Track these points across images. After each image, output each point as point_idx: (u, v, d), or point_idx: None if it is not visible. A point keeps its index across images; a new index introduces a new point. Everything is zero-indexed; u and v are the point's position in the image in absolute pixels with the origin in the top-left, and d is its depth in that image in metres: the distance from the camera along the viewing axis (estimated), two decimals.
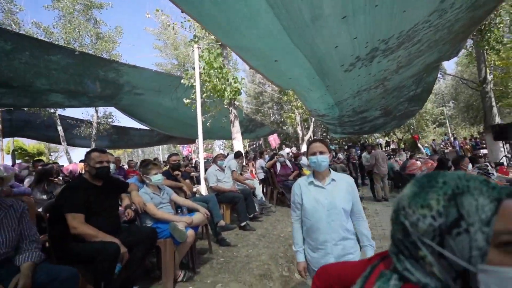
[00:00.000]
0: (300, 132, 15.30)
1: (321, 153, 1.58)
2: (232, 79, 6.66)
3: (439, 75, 26.94)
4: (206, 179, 4.83)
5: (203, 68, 6.50)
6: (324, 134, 28.85)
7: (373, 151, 7.76)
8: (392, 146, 22.10)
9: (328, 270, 0.81)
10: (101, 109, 12.72)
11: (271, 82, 5.33)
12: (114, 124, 12.82)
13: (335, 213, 1.52)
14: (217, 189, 4.40)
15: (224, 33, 3.33)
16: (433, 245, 0.47)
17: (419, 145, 20.87)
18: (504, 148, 9.82)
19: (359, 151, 12.72)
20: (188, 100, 6.65)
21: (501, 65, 8.85)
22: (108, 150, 3.62)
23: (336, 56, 4.07)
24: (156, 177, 2.68)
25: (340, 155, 11.02)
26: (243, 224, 4.10)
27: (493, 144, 9.99)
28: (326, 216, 1.52)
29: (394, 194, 7.79)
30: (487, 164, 3.02)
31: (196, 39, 6.87)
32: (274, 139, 14.22)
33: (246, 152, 20.91)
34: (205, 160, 12.10)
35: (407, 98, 8.59)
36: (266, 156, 7.58)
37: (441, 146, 16.02)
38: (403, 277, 0.51)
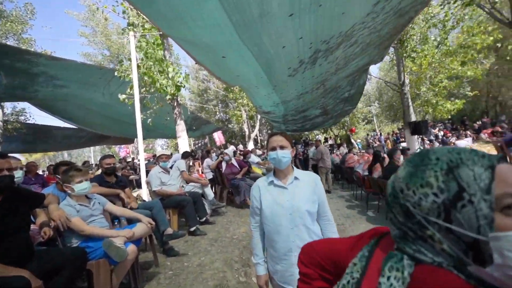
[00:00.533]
0: (246, 130, 15.32)
1: (281, 147, 1.37)
2: (176, 73, 6.16)
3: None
4: (148, 183, 4.32)
5: (141, 60, 5.85)
6: (269, 131, 29.77)
7: (319, 146, 8.20)
8: (330, 142, 24.13)
9: (314, 247, 0.75)
10: (8, 104, 10.46)
11: (218, 79, 5.09)
12: (28, 122, 10.67)
13: (299, 217, 1.33)
14: (162, 193, 3.97)
15: (167, 23, 2.99)
16: (440, 222, 0.47)
17: (352, 140, 23.19)
18: (418, 142, 11.62)
19: (303, 148, 13.46)
20: (123, 96, 5.89)
21: (416, 70, 10.36)
22: (20, 154, 2.86)
23: (284, 58, 4.12)
24: (81, 186, 2.18)
25: None
26: (193, 229, 3.79)
27: (411, 138, 11.73)
28: (288, 221, 1.33)
29: (336, 186, 8.39)
30: None
31: (132, 27, 6.14)
32: (219, 136, 13.82)
33: (192, 151, 20.09)
34: (146, 162, 11.11)
35: (343, 99, 9.41)
36: (214, 155, 7.29)
37: (370, 141, 18.08)
38: (414, 258, 0.50)
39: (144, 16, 5.81)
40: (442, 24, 9.90)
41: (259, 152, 10.82)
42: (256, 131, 15.53)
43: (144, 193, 5.03)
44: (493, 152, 11.97)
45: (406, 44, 10.47)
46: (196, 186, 4.86)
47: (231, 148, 6.37)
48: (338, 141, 24.10)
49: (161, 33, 6.63)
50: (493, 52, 14.20)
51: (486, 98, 18.18)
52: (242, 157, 6.94)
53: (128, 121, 8.15)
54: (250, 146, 15.46)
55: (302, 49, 3.91)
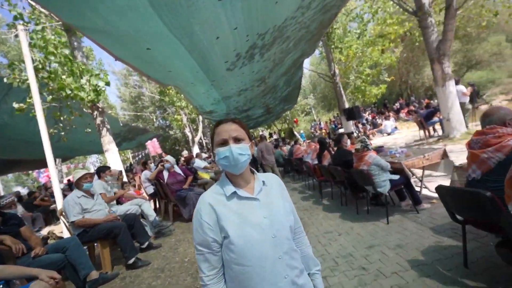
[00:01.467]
0: (189, 134, 14.38)
1: (236, 140, 0.93)
2: (92, 75, 5.12)
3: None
4: (63, 213, 3.38)
5: (39, 61, 4.67)
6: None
7: (258, 144, 8.01)
8: (275, 137, 24.72)
9: None
10: None
11: (146, 77, 4.37)
12: None
13: (285, 237, 0.90)
14: (84, 224, 3.12)
15: (68, 8, 2.23)
16: None
17: (295, 132, 24.20)
18: (353, 126, 12.57)
19: None
20: (19, 105, 4.63)
21: (344, 60, 11.12)
22: None
23: (220, 51, 3.78)
24: None
25: None
26: (131, 261, 3.06)
27: (347, 124, 12.64)
28: (272, 248, 0.86)
29: (287, 179, 8.35)
30: (364, 137, 3.34)
31: (24, 22, 4.87)
32: (152, 145, 12.36)
33: (131, 165, 18.02)
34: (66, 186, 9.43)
35: (282, 99, 9.68)
36: (152, 165, 6.41)
37: (312, 130, 19.00)
38: None
39: (34, 3, 4.67)
40: (360, 18, 10.83)
41: (204, 155, 10.17)
42: (199, 134, 14.72)
43: (62, 227, 3.98)
44: (414, 127, 13.81)
45: (332, 36, 11.13)
46: (133, 206, 4.07)
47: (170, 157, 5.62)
48: (282, 135, 24.93)
49: (64, 28, 5.47)
50: (400, 42, 16.29)
51: (400, 82, 20.93)
52: (185, 163, 6.24)
53: (40, 141, 6.61)
54: (196, 150, 14.60)
55: (238, 41, 3.62)
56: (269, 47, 3.97)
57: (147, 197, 5.34)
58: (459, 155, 5.40)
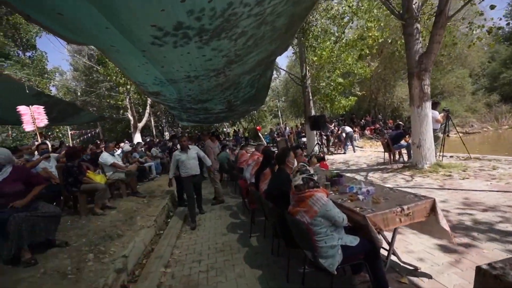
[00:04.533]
0: (131, 118, 12.04)
1: None
2: None
3: (275, 74, 31.05)
4: None
5: None
6: (170, 120, 26.29)
7: (206, 141, 6.36)
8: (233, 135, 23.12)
9: None
10: None
11: (47, 30, 2.77)
12: None
13: None
14: None
15: None
16: None
17: (260, 135, 22.83)
18: (316, 136, 11.43)
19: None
20: None
21: (317, 62, 9.88)
22: None
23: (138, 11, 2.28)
24: None
25: None
26: None
27: (310, 133, 11.46)
28: None
29: (227, 192, 6.78)
30: (306, 165, 1.85)
31: None
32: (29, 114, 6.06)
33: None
34: None
35: (246, 100, 8.81)
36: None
37: (274, 135, 17.76)
38: None
39: None
40: (339, 18, 9.69)
41: (126, 146, 8.14)
42: (144, 119, 12.49)
43: None
44: (377, 146, 13.15)
45: (308, 32, 9.84)
46: None
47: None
48: (246, 134, 23.38)
49: None
50: (378, 54, 15.71)
51: (370, 98, 20.64)
52: (66, 159, 4.20)
53: None
54: (137, 139, 12.38)
55: (157, 13, 2.46)
56: (214, 35, 3.16)
57: None
58: (430, 193, 4.31)
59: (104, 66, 9.97)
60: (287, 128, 19.21)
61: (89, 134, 22.78)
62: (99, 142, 10.07)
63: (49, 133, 17.45)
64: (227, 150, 8.19)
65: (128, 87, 10.72)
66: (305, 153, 9.70)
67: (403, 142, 7.58)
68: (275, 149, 8.10)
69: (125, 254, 2.92)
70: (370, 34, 7.40)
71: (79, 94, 24.25)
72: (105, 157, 5.24)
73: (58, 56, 63.41)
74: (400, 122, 10.90)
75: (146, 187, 6.51)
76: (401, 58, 16.10)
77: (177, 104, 8.13)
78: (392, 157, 7.72)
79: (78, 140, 23.51)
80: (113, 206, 4.43)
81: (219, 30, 3.12)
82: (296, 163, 3.29)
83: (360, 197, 2.40)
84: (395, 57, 16.59)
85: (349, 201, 2.40)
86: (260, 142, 21.07)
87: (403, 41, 6.70)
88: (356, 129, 16.55)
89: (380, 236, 2.10)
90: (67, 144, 12.28)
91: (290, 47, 12.69)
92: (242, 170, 5.60)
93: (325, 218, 1.91)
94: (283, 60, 68.93)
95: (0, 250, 2.50)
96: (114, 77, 9.67)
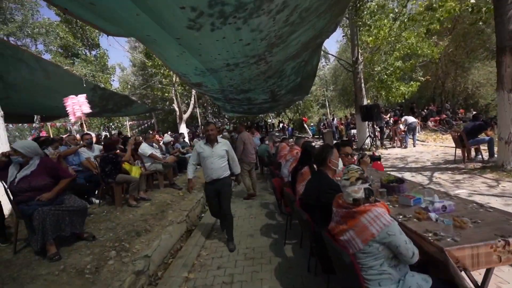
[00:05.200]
0: (177, 109, 12.43)
1: None
2: None
3: (323, 61, 29.09)
4: None
5: None
6: (216, 111, 26.72)
7: (242, 133, 6.01)
8: (281, 126, 22.49)
9: None
10: None
11: (87, 24, 3.00)
12: None
13: None
14: None
15: None
16: None
17: (305, 126, 21.84)
18: (368, 128, 10.20)
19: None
20: None
21: (371, 43, 8.64)
22: None
23: None
24: None
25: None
26: None
27: (361, 125, 10.27)
28: None
29: (264, 187, 6.38)
30: (367, 175, 1.26)
31: None
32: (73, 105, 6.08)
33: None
34: None
35: (290, 90, 8.17)
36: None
37: (320, 126, 16.69)
38: None
39: None
40: None
41: (167, 137, 8.27)
42: (189, 110, 12.78)
43: None
44: (443, 140, 11.15)
45: (362, 9, 8.63)
46: None
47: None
48: (292, 126, 22.57)
49: None
50: (447, 33, 13.33)
51: (435, 84, 17.87)
52: (104, 150, 4.27)
53: None
54: (183, 129, 12.80)
55: None
56: (252, 10, 2.70)
57: None
58: None
59: (151, 59, 10.35)
60: (335, 119, 17.87)
61: (146, 125, 24.71)
62: (151, 132, 10.63)
63: (111, 123, 19.35)
64: (267, 142, 7.76)
65: (173, 78, 10.98)
66: (354, 146, 8.68)
67: (483, 136, 6.13)
68: (321, 142, 7.36)
69: (148, 254, 2.74)
70: (443, 4, 6.00)
71: (135, 87, 26.27)
72: (144, 148, 5.29)
73: (120, 53, 71.13)
74: (474, 112, 8.93)
75: (185, 178, 6.50)
76: (480, 33, 13.38)
77: (220, 95, 7.99)
78: (466, 154, 6.32)
79: (136, 130, 25.75)
80: (148, 198, 4.40)
81: (258, 7, 2.66)
82: (341, 164, 2.67)
83: (432, 215, 1.71)
84: (471, 33, 13.87)
85: (415, 219, 1.74)
86: (305, 134, 20.15)
87: (490, 6, 5.21)
88: (417, 120, 14.46)
89: (463, 275, 1.44)
90: (123, 134, 13.36)
91: (340, 29, 11.43)
92: (280, 165, 5.11)
93: (385, 246, 1.33)
94: (333, 45, 64.70)
95: (30, 242, 2.53)
96: (160, 70, 9.96)
